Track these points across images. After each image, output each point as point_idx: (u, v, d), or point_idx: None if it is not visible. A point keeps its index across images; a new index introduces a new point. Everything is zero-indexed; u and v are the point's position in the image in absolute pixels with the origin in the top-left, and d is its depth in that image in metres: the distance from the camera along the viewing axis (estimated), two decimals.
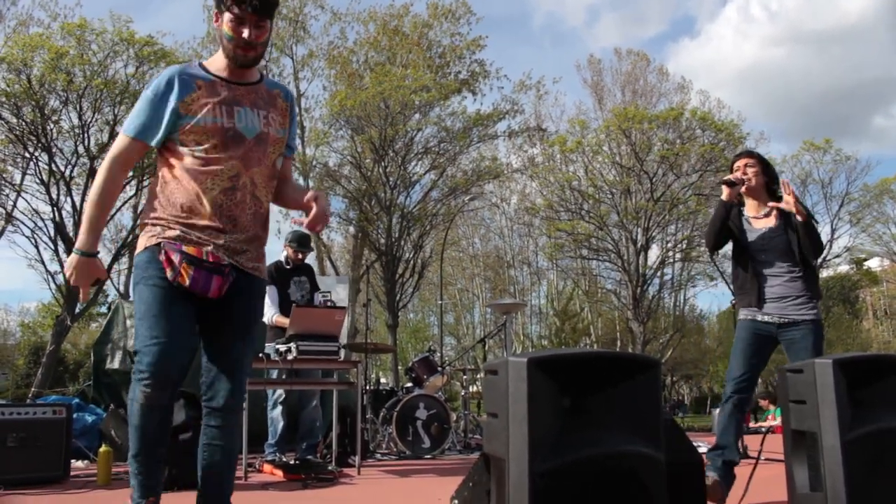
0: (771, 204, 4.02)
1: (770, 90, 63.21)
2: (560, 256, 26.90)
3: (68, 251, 18.23)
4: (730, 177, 4.05)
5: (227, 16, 2.42)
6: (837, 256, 28.04)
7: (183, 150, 2.46)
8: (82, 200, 18.54)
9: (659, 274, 24.78)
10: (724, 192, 4.00)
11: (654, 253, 24.30)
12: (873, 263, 36.00)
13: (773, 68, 62.79)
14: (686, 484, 2.75)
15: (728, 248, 4.23)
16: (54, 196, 18.31)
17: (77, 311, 18.64)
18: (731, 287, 4.19)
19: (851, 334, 37.31)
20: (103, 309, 30.99)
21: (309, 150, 23.17)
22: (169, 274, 2.38)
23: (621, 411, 2.16)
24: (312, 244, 7.00)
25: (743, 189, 4.06)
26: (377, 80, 21.27)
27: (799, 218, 3.88)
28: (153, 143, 2.48)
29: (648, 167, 22.81)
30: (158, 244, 2.42)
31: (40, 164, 18.39)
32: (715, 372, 34.96)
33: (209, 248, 2.44)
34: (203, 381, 2.55)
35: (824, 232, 27.21)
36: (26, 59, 17.12)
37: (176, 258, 2.38)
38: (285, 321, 5.65)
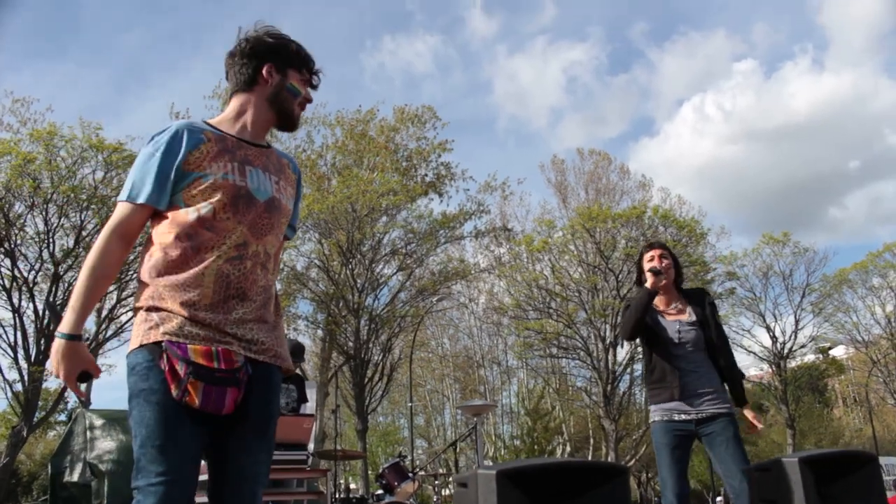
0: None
1: (728, 186, 65.56)
2: (530, 355, 26.92)
3: (28, 359, 17.87)
4: (655, 265, 3.95)
5: (295, 74, 2.35)
6: (803, 346, 28.43)
7: (184, 211, 2.13)
8: (45, 310, 18.27)
9: (629, 370, 24.82)
10: (650, 280, 3.88)
11: (622, 349, 24.42)
12: (838, 352, 36.46)
13: (729, 164, 65.28)
14: None
15: None
16: (16, 302, 18.02)
17: (35, 420, 18.06)
18: (645, 382, 4.04)
19: (823, 423, 37.32)
20: (62, 417, 30.03)
21: None
22: (174, 392, 2.00)
23: None
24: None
25: (661, 281, 3.95)
26: (344, 183, 21.60)
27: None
28: (161, 206, 2.14)
29: (614, 265, 23.18)
30: (159, 343, 2.03)
31: (3, 269, 18.20)
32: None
33: (219, 343, 2.07)
34: (210, 496, 2.13)
35: (789, 322, 27.67)
36: None
37: (181, 369, 2.00)
38: None
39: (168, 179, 2.12)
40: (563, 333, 23.85)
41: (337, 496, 7.66)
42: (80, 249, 18.23)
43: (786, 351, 27.66)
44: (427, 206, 23.29)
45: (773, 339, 27.60)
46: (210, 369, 2.01)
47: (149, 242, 2.20)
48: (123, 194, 2.15)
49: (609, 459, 22.24)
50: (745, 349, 28.38)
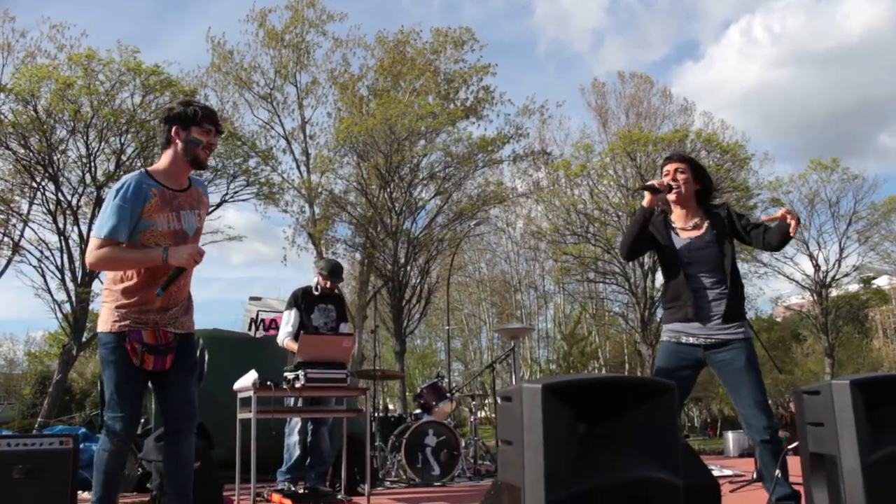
0: (779, 213, 3.49)
1: (774, 111, 63.33)
2: (567, 280, 26.81)
3: (75, 280, 18.33)
4: (653, 182, 3.68)
5: (196, 128, 3.26)
6: (846, 275, 27.90)
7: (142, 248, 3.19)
8: (89, 229, 18.60)
9: None
10: (646, 198, 3.63)
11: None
12: (882, 282, 35.76)
13: (776, 89, 62.96)
14: None
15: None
16: (61, 225, 18.38)
17: (84, 339, 18.63)
18: (662, 301, 3.95)
19: (862, 353, 37.00)
20: None
21: (315, 177, 23.23)
22: (135, 361, 3.17)
23: (638, 437, 2.12)
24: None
25: (671, 196, 3.72)
26: (384, 106, 21.36)
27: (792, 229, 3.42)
28: (122, 240, 3.13)
29: None
30: (123, 333, 3.16)
31: (47, 193, 18.50)
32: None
33: (160, 327, 3.24)
34: (164, 413, 3.36)
35: (833, 250, 27.13)
36: (34, 90, 17.27)
37: (139, 349, 3.17)
38: (294, 346, 5.61)
39: (127, 224, 3.12)
40: (601, 258, 23.68)
41: (376, 415, 7.79)
42: (121, 173, 18.41)
43: (828, 279, 27.21)
44: (465, 130, 23.02)
45: (816, 267, 27.13)
46: (156, 346, 3.23)
47: None
48: (103, 232, 3.11)
49: None
50: (787, 276, 27.98)
